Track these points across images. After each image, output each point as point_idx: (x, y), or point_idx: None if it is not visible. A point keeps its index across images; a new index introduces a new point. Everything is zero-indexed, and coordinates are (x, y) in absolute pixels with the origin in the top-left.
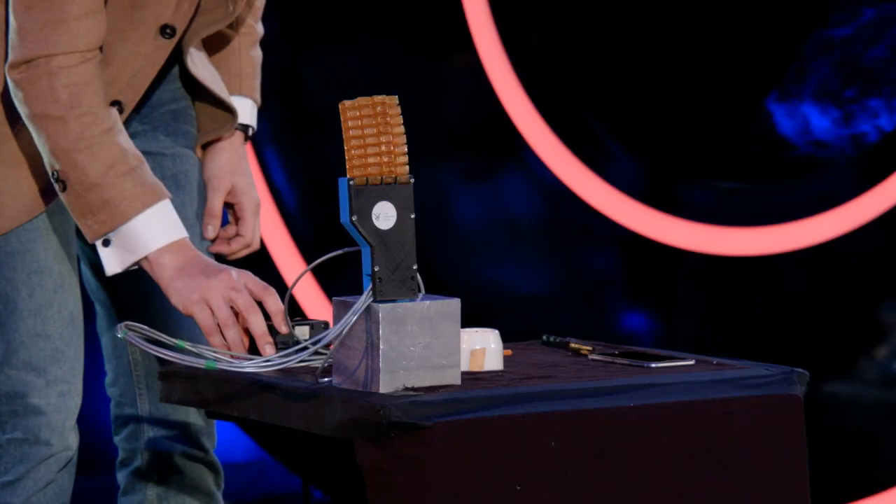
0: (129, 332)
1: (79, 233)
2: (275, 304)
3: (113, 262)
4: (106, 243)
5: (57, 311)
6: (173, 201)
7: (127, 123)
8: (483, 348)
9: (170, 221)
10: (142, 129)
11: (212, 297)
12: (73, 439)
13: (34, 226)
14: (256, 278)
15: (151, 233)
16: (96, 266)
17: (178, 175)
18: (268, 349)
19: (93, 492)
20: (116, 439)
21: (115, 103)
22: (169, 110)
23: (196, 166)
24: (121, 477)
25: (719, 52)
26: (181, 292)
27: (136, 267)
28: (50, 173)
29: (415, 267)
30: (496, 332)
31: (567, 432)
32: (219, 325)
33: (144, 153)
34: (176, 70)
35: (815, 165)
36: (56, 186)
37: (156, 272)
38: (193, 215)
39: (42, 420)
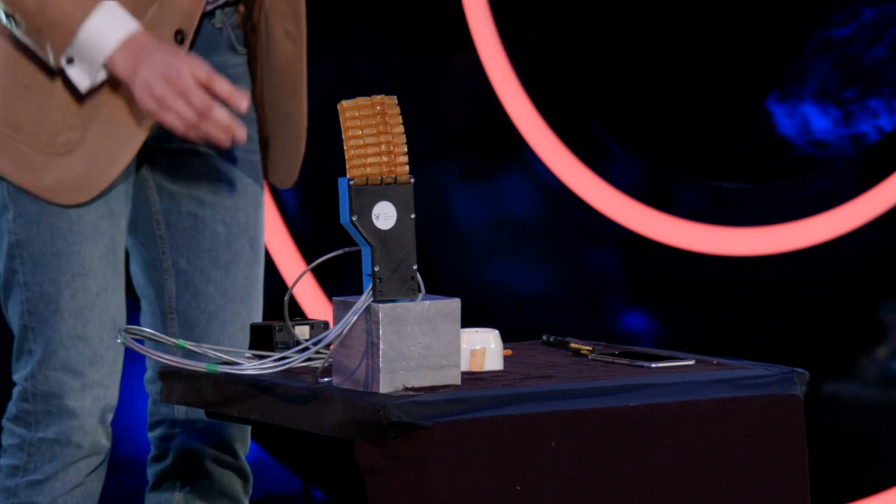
0: (129, 337)
1: (130, 226)
2: (221, 87)
3: (83, 78)
4: (70, 62)
5: (98, 314)
6: (227, 204)
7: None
8: (483, 348)
9: (115, 21)
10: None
11: (172, 105)
12: (105, 444)
13: (81, 228)
14: (198, 62)
15: (101, 37)
16: (147, 262)
17: (234, 179)
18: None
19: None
20: (150, 436)
21: None
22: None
23: (254, 178)
24: (150, 473)
25: (719, 53)
26: (143, 101)
27: (104, 77)
28: (4, 19)
29: (415, 267)
30: (496, 332)
31: (567, 432)
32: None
33: (199, 154)
34: None
35: (815, 165)
36: (13, 28)
37: (120, 77)
38: (245, 220)
39: (75, 422)
